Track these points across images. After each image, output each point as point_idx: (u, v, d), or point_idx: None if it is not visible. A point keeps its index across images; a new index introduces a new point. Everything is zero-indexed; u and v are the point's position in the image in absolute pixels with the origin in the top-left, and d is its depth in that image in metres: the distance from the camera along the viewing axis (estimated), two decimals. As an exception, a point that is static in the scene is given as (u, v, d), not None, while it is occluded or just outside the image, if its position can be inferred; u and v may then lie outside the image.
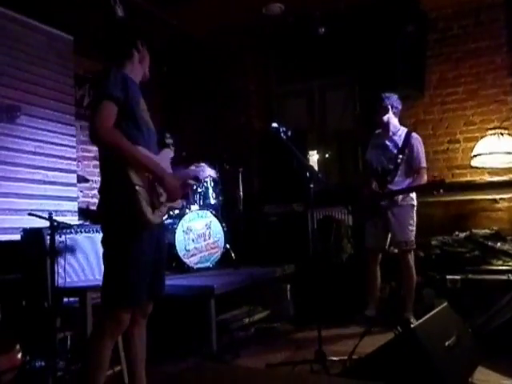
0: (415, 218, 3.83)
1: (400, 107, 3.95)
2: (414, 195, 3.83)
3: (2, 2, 3.80)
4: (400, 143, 3.83)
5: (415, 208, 3.84)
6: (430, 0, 4.55)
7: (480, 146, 4.46)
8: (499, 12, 4.59)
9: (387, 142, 3.91)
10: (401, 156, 3.78)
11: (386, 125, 3.90)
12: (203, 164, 2.69)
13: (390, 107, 3.88)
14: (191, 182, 2.74)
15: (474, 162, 4.50)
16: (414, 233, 3.82)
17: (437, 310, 2.59)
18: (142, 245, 2.15)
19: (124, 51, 2.34)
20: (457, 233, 4.33)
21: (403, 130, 3.91)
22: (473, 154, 4.49)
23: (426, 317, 2.44)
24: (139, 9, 4.33)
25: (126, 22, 2.38)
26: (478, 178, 4.63)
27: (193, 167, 2.66)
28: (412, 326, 2.31)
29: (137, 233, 2.13)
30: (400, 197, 3.76)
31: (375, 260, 3.95)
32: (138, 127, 2.21)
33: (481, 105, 4.67)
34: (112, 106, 2.10)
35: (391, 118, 3.90)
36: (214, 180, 4.45)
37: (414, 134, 3.89)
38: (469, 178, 4.68)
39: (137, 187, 2.07)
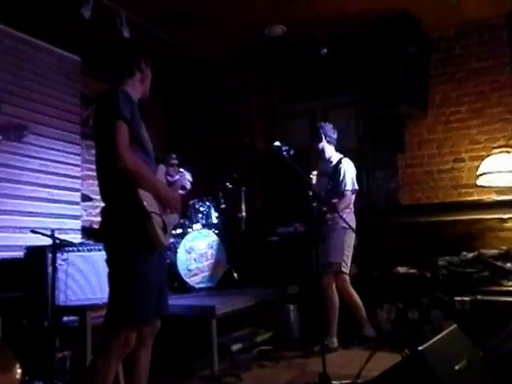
0: (347, 242, 3.92)
1: (335, 136, 4.13)
2: (348, 219, 3.85)
3: (13, 24, 3.90)
4: (331, 170, 4.03)
5: (347, 231, 3.88)
6: (432, 21, 4.58)
7: (486, 165, 4.41)
8: (502, 31, 4.61)
9: (323, 170, 4.13)
10: (331, 182, 3.98)
11: (321, 152, 4.11)
12: (182, 170, 2.71)
13: (323, 136, 4.07)
14: (181, 191, 2.76)
15: (481, 181, 4.45)
16: (344, 257, 3.90)
17: (446, 331, 2.51)
18: (150, 266, 2.16)
19: (126, 69, 2.34)
20: (464, 253, 4.25)
21: (337, 157, 4.09)
22: (479, 172, 4.44)
23: (434, 339, 2.35)
24: (144, 30, 4.43)
25: (131, 40, 2.42)
26: (485, 197, 4.56)
27: (177, 176, 2.70)
28: (420, 348, 2.23)
29: (148, 255, 2.14)
30: (330, 221, 3.89)
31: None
32: (142, 147, 2.22)
33: (486, 123, 4.64)
34: (126, 128, 2.10)
35: (325, 147, 4.09)
36: (215, 200, 4.45)
37: (345, 160, 4.06)
38: (475, 198, 4.62)
39: (152, 214, 2.08)
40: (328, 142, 4.11)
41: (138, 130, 2.22)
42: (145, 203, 2.07)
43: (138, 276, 2.12)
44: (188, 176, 2.92)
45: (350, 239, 3.99)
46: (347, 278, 3.97)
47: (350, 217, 3.94)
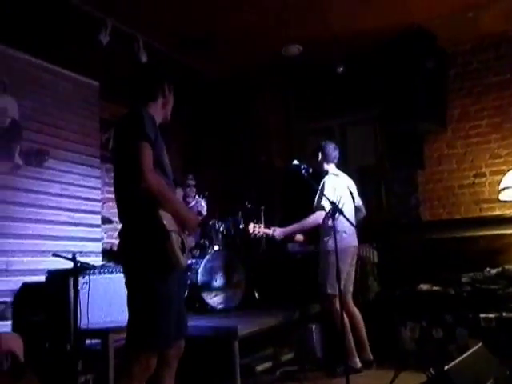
0: (332, 264, 3.53)
1: (334, 155, 4.08)
2: (331, 242, 3.63)
3: (32, 51, 3.99)
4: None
5: (331, 253, 3.51)
6: (448, 36, 4.58)
7: (508, 179, 4.34)
8: (520, 45, 4.60)
9: None
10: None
11: (318, 169, 4.05)
12: (197, 197, 2.75)
13: (319, 153, 4.06)
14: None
15: (503, 196, 4.38)
16: (329, 279, 3.67)
17: (471, 350, 2.47)
18: (170, 287, 2.14)
19: (150, 93, 2.36)
20: (488, 269, 4.17)
21: (326, 175, 4.00)
22: (500, 187, 4.38)
23: (460, 358, 2.31)
24: (161, 54, 4.52)
25: (156, 65, 2.46)
26: (507, 212, 4.50)
27: (193, 202, 2.73)
28: (446, 367, 2.19)
29: (168, 276, 2.12)
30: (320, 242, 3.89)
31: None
32: (162, 169, 2.23)
33: (506, 137, 4.60)
34: (150, 147, 2.10)
35: (322, 164, 4.07)
36: (235, 219, 4.45)
37: (326, 177, 3.95)
38: (498, 212, 4.56)
39: (171, 233, 2.07)
40: (325, 159, 4.07)
41: (160, 153, 2.23)
42: (165, 222, 2.07)
43: (159, 298, 2.10)
44: (203, 203, 2.97)
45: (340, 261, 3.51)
46: (335, 300, 3.70)
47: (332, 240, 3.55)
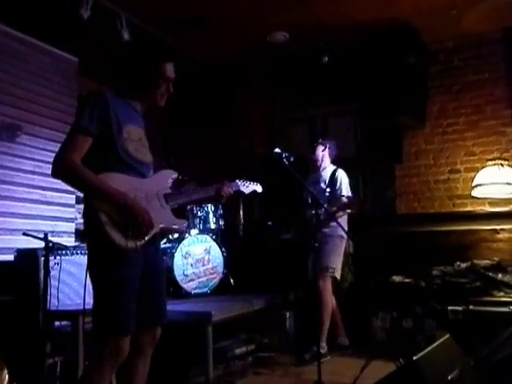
0: (341, 249, 4.07)
1: (335, 152, 4.33)
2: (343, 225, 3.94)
3: (9, 22, 3.83)
4: (327, 178, 4.15)
5: (344, 240, 4.09)
6: (430, 32, 4.64)
7: (480, 177, 4.46)
8: (498, 46, 4.68)
9: (318, 178, 4.23)
10: (328, 189, 4.09)
11: (318, 160, 4.27)
12: (240, 181, 2.63)
13: (327, 146, 4.29)
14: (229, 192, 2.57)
15: (475, 192, 4.50)
16: (338, 263, 4.02)
17: (439, 341, 2.52)
18: (121, 270, 2.04)
19: (126, 78, 2.28)
20: (458, 263, 4.29)
21: (332, 167, 4.25)
22: (473, 184, 4.49)
23: (428, 349, 2.36)
24: (145, 33, 4.40)
25: (140, 50, 2.32)
26: (478, 208, 4.63)
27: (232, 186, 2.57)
28: (414, 358, 2.23)
29: (113, 258, 2.03)
30: (328, 228, 4.01)
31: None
32: (117, 157, 2.12)
33: (481, 136, 4.70)
34: (83, 138, 2.03)
35: (325, 157, 4.29)
36: (215, 205, 4.40)
37: (340, 170, 4.20)
38: (469, 208, 4.68)
39: (99, 213, 2.00)
40: (329, 154, 4.29)
41: (114, 140, 2.10)
42: (95, 204, 2.02)
43: (109, 282, 2.04)
44: (254, 186, 2.84)
45: (344, 247, 4.13)
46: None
47: (344, 223, 3.97)
